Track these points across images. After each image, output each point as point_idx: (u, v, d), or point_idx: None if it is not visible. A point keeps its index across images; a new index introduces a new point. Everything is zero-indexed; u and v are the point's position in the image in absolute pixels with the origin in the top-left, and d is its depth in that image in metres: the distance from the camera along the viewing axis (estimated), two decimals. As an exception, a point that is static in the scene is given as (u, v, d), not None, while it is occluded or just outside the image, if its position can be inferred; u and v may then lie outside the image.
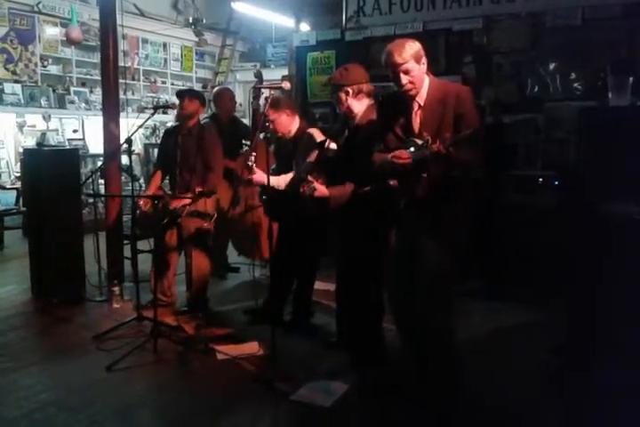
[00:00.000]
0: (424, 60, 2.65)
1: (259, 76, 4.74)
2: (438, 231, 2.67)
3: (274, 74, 8.89)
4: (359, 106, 3.25)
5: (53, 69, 8.70)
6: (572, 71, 4.61)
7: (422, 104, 2.67)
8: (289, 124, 3.91)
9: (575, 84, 4.61)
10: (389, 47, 2.65)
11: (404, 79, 2.61)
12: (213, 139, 4.25)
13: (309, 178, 3.24)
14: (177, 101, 4.25)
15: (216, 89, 5.73)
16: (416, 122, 2.69)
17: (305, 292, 4.04)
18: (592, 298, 3.13)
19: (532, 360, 3.37)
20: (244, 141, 5.19)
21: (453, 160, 2.49)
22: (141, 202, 4.09)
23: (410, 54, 2.59)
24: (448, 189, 2.65)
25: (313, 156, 3.47)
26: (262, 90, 4.52)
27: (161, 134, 5.12)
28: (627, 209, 2.97)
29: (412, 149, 2.57)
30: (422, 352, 2.85)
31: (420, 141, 2.56)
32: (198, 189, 4.06)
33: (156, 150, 7.58)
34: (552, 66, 4.68)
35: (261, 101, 4.53)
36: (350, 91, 3.21)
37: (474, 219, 2.85)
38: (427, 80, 2.69)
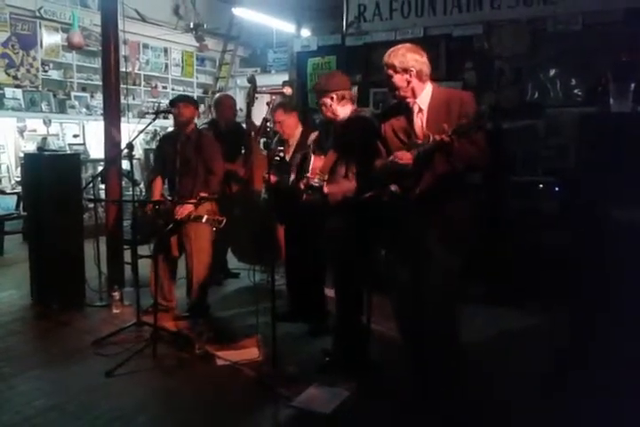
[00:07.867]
0: (414, 70, 2.68)
1: (252, 80, 4.53)
2: (442, 233, 2.67)
3: (275, 79, 8.91)
4: (343, 111, 3.32)
5: (54, 74, 8.70)
6: (572, 77, 4.62)
7: (424, 108, 2.73)
8: (295, 127, 3.95)
9: (575, 90, 4.62)
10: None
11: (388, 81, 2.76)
12: (212, 143, 4.26)
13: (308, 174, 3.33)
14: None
15: (217, 95, 5.69)
16: (417, 125, 2.73)
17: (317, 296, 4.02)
18: (596, 302, 3.13)
19: (535, 363, 3.36)
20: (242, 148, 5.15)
21: (457, 153, 2.50)
22: (148, 209, 4.07)
23: (390, 62, 2.71)
24: (451, 189, 2.66)
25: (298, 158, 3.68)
26: (258, 95, 4.46)
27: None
28: (628, 215, 2.98)
29: (414, 150, 2.60)
30: (425, 355, 2.84)
31: (420, 142, 2.61)
32: (202, 194, 4.05)
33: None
34: (552, 72, 4.68)
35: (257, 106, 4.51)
36: (335, 96, 3.28)
37: (477, 223, 2.85)
38: (429, 86, 2.76)
